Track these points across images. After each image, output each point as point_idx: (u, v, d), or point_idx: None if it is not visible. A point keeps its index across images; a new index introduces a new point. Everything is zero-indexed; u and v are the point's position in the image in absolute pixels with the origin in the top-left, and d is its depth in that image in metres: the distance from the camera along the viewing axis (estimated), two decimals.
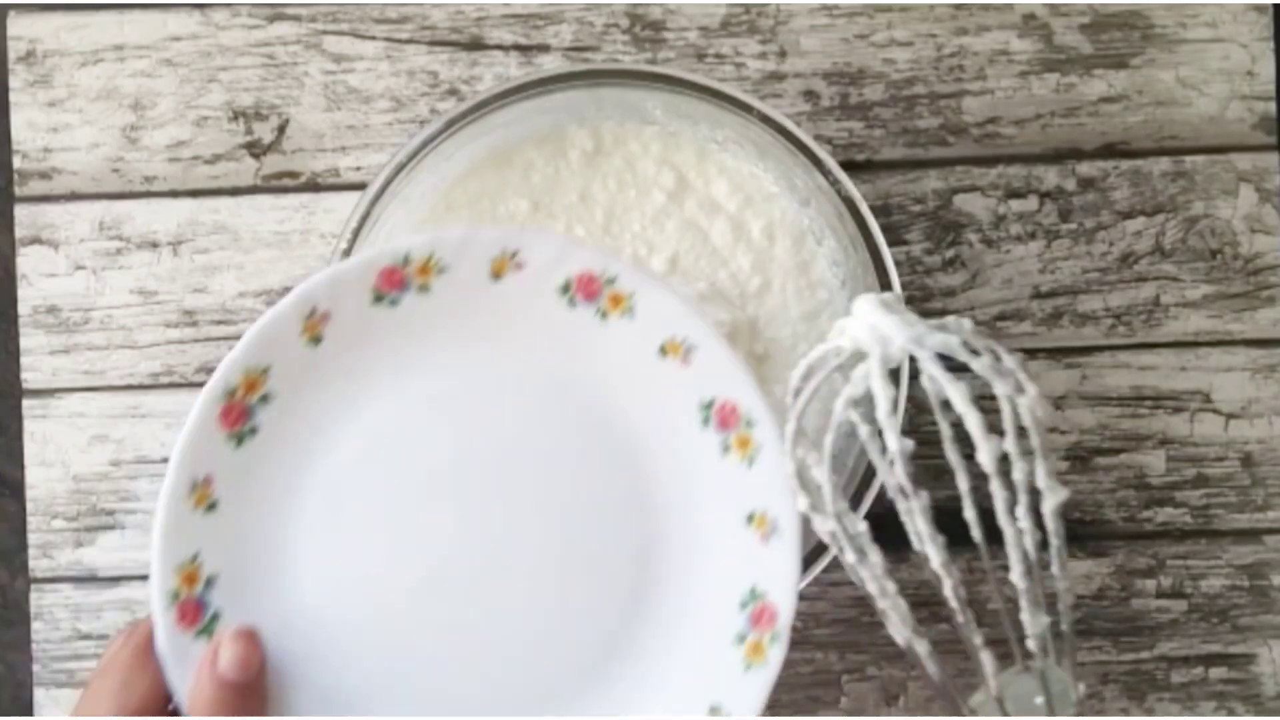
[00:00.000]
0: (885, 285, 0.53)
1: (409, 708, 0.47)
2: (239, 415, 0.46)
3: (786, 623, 0.46)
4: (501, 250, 0.46)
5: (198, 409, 0.45)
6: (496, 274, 0.46)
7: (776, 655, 0.46)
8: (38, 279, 0.59)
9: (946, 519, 0.58)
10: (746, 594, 0.47)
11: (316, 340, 0.46)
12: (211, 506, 0.45)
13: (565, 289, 0.47)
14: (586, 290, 0.47)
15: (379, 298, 0.46)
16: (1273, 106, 0.58)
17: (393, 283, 0.46)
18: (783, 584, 0.46)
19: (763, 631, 0.47)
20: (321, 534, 0.47)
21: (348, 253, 0.52)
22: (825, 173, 0.53)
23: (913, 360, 0.56)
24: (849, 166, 0.57)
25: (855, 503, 0.52)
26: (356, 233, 0.52)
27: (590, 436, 0.48)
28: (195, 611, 0.45)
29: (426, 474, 0.47)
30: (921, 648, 0.43)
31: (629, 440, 0.48)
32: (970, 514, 0.41)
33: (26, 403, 0.58)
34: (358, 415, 0.47)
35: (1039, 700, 0.43)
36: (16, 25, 0.59)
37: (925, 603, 0.57)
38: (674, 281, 0.54)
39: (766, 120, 0.53)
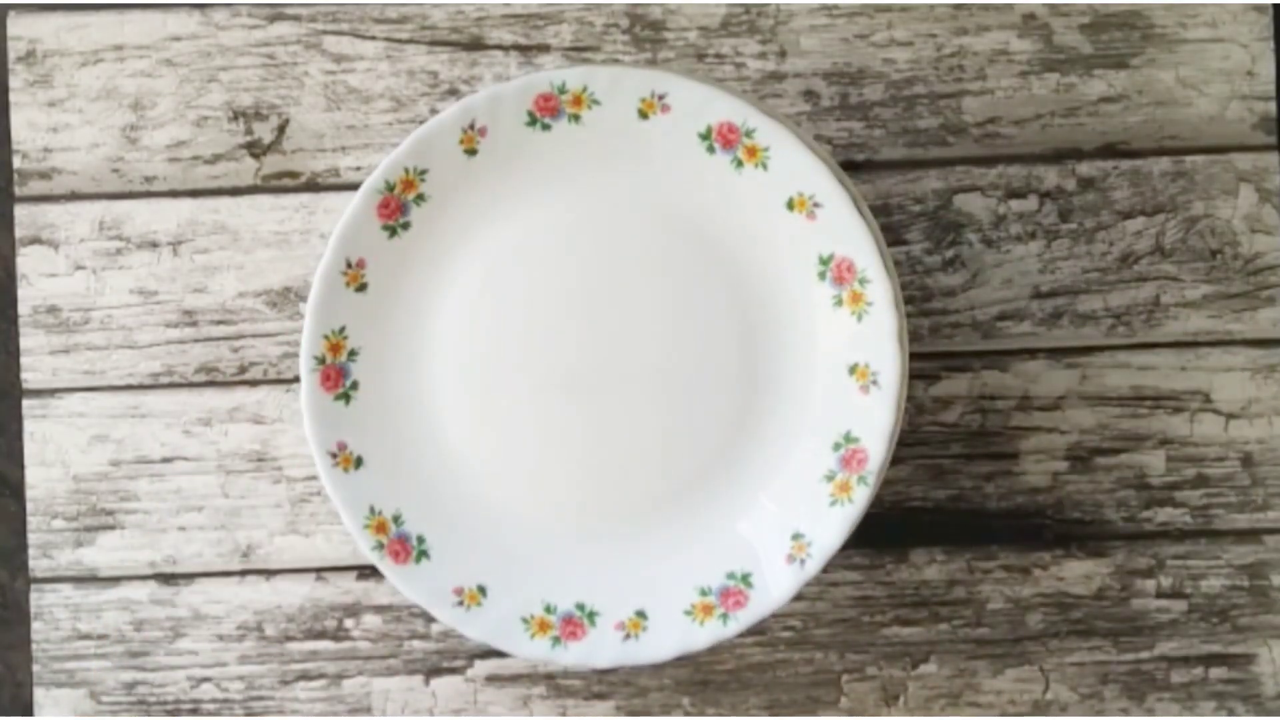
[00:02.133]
0: None
1: (513, 491, 0.52)
2: (395, 209, 0.50)
3: (875, 468, 0.50)
4: (651, 91, 0.50)
5: (359, 197, 0.49)
6: (644, 113, 0.50)
7: (862, 495, 0.50)
8: (38, 279, 0.59)
9: (946, 519, 0.58)
10: (840, 437, 0.51)
11: (472, 152, 0.50)
12: (362, 287, 0.50)
13: (706, 135, 0.50)
14: (725, 139, 0.50)
15: (533, 120, 0.50)
16: (1273, 106, 0.58)
17: (547, 108, 0.50)
18: (877, 433, 0.50)
19: (851, 473, 0.50)
20: (457, 328, 0.52)
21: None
22: None
23: (914, 358, 0.56)
24: (849, 166, 0.57)
25: None
26: None
27: (712, 274, 0.52)
28: (337, 377, 0.50)
29: (558, 288, 0.52)
30: None
31: (747, 282, 0.52)
32: None
33: (26, 403, 0.58)
34: (502, 227, 0.52)
35: None
36: (16, 25, 0.59)
37: (925, 602, 0.57)
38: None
39: None
